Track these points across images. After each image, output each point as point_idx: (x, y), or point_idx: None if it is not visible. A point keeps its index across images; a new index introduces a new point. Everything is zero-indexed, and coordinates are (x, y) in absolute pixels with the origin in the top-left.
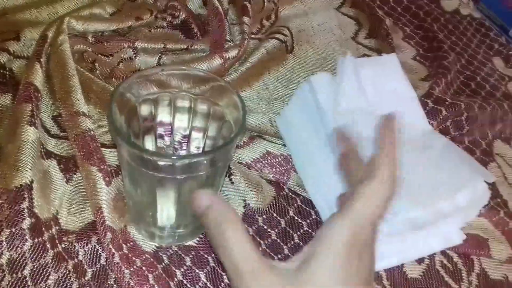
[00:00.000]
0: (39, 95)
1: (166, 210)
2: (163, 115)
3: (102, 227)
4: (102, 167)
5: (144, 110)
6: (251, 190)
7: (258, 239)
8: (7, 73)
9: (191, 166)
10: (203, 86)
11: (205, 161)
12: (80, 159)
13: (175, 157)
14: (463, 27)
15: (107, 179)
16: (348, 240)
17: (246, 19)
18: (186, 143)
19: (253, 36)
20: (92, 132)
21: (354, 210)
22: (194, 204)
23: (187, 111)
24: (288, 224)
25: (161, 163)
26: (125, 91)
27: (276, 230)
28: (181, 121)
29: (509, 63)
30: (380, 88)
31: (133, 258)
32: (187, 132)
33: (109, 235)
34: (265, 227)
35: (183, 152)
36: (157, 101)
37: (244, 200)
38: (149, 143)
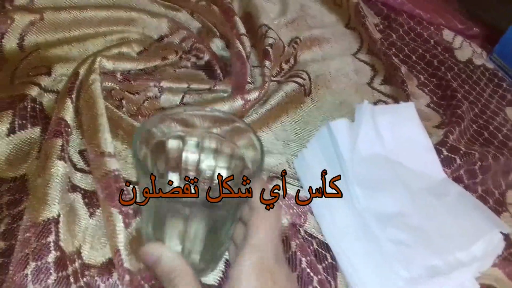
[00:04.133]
0: (69, 130)
1: (173, 244)
2: (190, 154)
3: (120, 269)
4: (123, 209)
5: (172, 146)
6: None
7: None
8: (38, 106)
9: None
10: (224, 127)
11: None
12: (102, 200)
13: (193, 200)
14: (477, 76)
15: (127, 221)
16: (254, 269)
17: (267, 63)
18: (209, 183)
19: (272, 78)
20: (116, 173)
21: (251, 240)
22: (142, 258)
23: (213, 152)
24: (304, 267)
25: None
26: (151, 127)
27: (295, 273)
28: (207, 161)
29: None
30: (397, 135)
31: None
32: (211, 173)
33: (127, 277)
34: None
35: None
36: (184, 139)
37: None
38: (174, 179)
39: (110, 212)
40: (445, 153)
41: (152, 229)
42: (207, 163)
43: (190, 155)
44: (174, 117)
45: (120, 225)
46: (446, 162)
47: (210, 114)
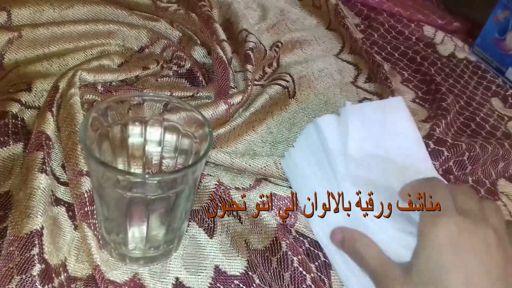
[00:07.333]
0: (51, 143)
1: (136, 231)
2: (135, 140)
3: (102, 283)
4: (96, 233)
5: (116, 134)
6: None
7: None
8: (19, 122)
9: (162, 185)
10: (174, 113)
11: (176, 180)
12: (79, 219)
13: (146, 176)
14: (460, 70)
15: (101, 242)
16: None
17: (249, 66)
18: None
19: (256, 82)
20: (91, 192)
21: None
22: (332, 239)
23: (158, 138)
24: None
25: (133, 180)
26: (99, 114)
27: (288, 273)
28: (153, 147)
29: (507, 103)
30: (388, 131)
31: None
32: (158, 160)
33: (111, 287)
34: (278, 269)
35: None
36: (127, 125)
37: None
38: (120, 166)
39: (85, 234)
40: (432, 146)
41: (113, 222)
42: (153, 150)
43: (135, 142)
44: (123, 103)
45: (95, 247)
46: (433, 155)
47: (160, 99)
